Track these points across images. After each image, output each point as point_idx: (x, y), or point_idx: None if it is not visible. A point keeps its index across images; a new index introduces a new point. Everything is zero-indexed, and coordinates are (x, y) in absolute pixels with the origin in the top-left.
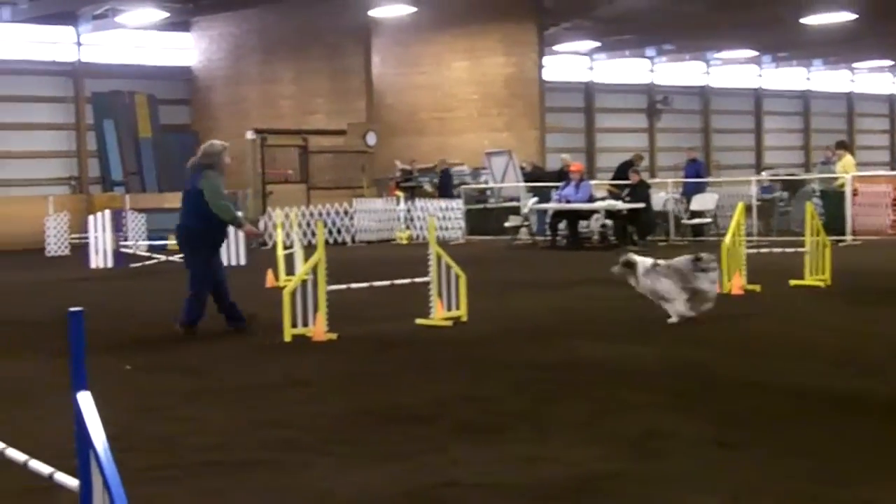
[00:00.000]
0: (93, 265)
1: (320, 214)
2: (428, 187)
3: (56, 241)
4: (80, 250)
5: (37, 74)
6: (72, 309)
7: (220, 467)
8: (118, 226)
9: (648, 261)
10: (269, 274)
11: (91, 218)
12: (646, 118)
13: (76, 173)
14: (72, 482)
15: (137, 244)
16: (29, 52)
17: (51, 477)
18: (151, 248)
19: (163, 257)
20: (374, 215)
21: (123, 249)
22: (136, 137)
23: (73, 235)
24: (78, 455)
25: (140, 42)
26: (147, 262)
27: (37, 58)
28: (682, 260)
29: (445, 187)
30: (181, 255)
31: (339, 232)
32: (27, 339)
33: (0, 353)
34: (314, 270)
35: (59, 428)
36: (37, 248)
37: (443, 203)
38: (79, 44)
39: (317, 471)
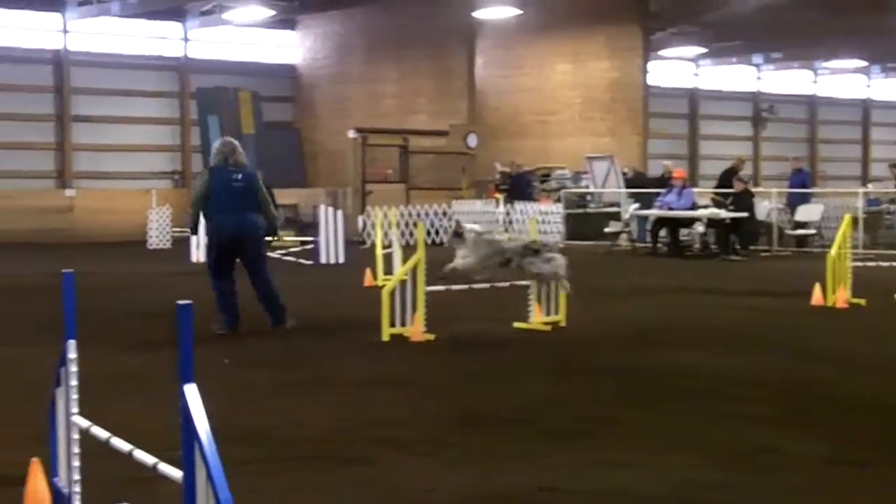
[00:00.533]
0: (193, 259)
1: (419, 215)
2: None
3: (158, 234)
4: (182, 244)
5: (143, 69)
6: (181, 302)
7: (317, 462)
8: None
9: (477, 227)
10: (368, 273)
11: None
12: (751, 126)
13: (179, 168)
14: (175, 473)
15: None
16: (136, 47)
17: (154, 467)
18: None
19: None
20: (473, 217)
21: None
22: (240, 133)
23: (175, 229)
24: (183, 447)
25: (246, 39)
26: None
27: (144, 52)
28: (516, 242)
29: (519, 191)
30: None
31: (437, 233)
32: (132, 331)
33: (105, 344)
34: (413, 270)
35: (164, 419)
36: (139, 241)
37: (542, 207)
38: (185, 39)
39: (414, 470)
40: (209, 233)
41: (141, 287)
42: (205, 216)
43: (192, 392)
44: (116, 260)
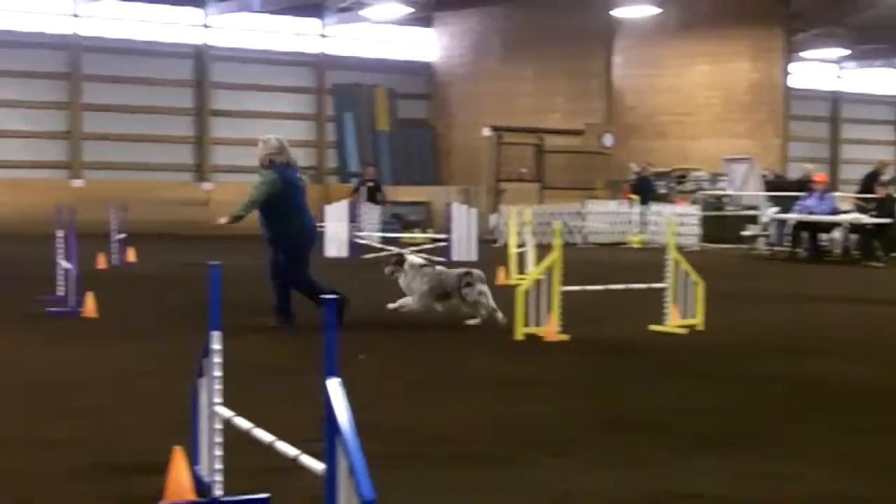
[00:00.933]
0: (328, 254)
1: (552, 214)
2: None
3: None
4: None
5: (282, 65)
6: (326, 296)
7: (453, 460)
8: (353, 216)
9: (418, 260)
10: (501, 271)
11: (327, 207)
12: (894, 131)
13: (315, 163)
14: (317, 465)
15: (372, 235)
16: (275, 43)
17: (296, 459)
18: (385, 240)
19: (395, 249)
20: (607, 217)
21: (358, 240)
22: (374, 130)
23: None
24: (325, 439)
25: (383, 36)
26: (380, 254)
27: (282, 48)
28: (451, 273)
29: (641, 192)
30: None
31: (570, 232)
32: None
33: (246, 334)
34: (548, 270)
35: (303, 410)
36: None
37: (678, 208)
38: (323, 36)
39: (549, 471)
40: (293, 235)
41: None
42: (269, 216)
43: (335, 386)
44: (249, 253)
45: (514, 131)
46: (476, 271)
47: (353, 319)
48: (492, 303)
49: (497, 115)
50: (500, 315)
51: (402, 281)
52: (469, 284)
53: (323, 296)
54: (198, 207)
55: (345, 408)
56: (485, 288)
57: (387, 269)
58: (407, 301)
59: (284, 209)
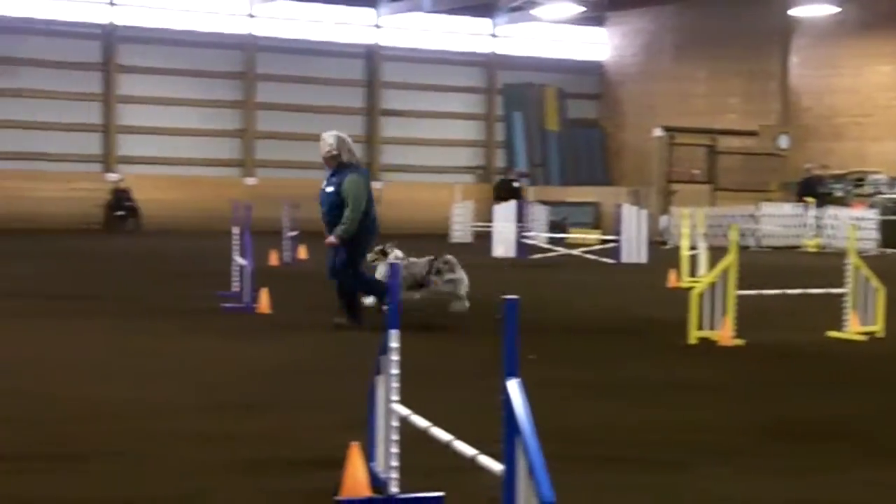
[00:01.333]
0: (495, 254)
1: (724, 216)
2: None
3: (461, 228)
4: (483, 238)
5: (452, 64)
6: (507, 297)
7: (625, 465)
8: (521, 216)
9: (400, 253)
10: (672, 274)
11: (496, 207)
12: None
13: (482, 163)
14: (495, 466)
15: (539, 235)
16: (446, 43)
17: (473, 459)
18: (552, 241)
19: (563, 250)
20: (781, 220)
21: (526, 240)
22: (543, 130)
23: (477, 223)
24: (504, 440)
25: (553, 35)
26: (548, 255)
27: (453, 48)
28: (420, 262)
29: (810, 194)
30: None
31: (743, 235)
32: (435, 320)
33: (416, 333)
34: (723, 273)
35: (477, 410)
36: (440, 234)
37: (855, 212)
38: (494, 35)
39: (725, 479)
40: (364, 233)
41: None
42: (340, 216)
43: (514, 387)
44: (419, 251)
45: (685, 132)
46: (448, 257)
47: (522, 320)
48: (460, 290)
49: (668, 116)
50: (461, 303)
51: (378, 272)
52: (438, 272)
53: (506, 297)
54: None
55: (524, 408)
56: (457, 275)
57: (369, 257)
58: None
59: (362, 210)
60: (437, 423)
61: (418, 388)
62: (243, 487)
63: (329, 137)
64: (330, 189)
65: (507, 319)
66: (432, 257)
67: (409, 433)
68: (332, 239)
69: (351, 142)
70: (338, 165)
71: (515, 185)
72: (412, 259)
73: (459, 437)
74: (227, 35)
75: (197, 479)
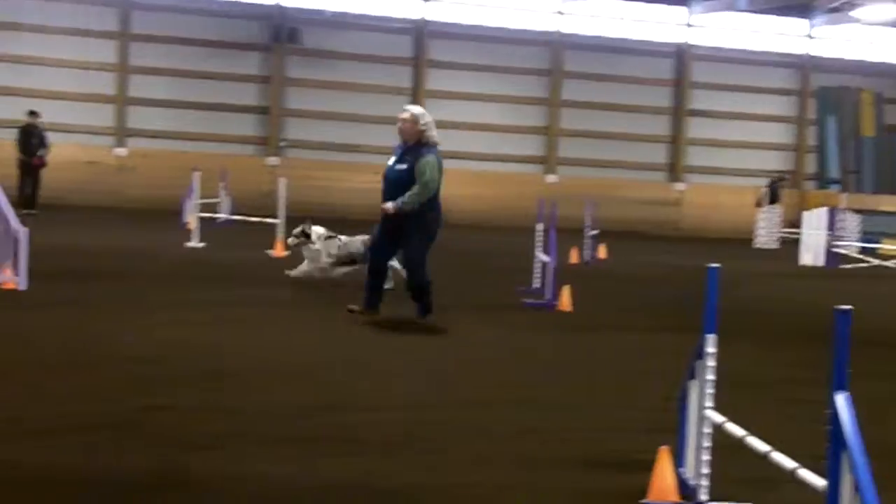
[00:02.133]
0: (802, 262)
1: None
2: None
3: (766, 233)
4: (790, 245)
5: (764, 65)
6: (840, 307)
7: None
8: (832, 224)
9: (322, 230)
10: None
11: (805, 214)
12: None
13: (791, 167)
14: (817, 481)
15: (851, 245)
16: (759, 43)
17: (793, 472)
18: (864, 251)
19: (875, 261)
20: None
21: (836, 249)
22: (858, 135)
23: (784, 230)
24: (829, 454)
25: (872, 38)
26: (859, 265)
27: (766, 49)
28: (356, 240)
29: None
30: None
31: None
32: (760, 328)
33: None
34: None
35: (794, 423)
36: (744, 238)
37: None
38: (810, 37)
39: None
40: (430, 222)
41: (757, 285)
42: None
43: (842, 400)
44: (722, 255)
45: None
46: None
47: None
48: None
49: None
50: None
51: (306, 252)
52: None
53: (838, 307)
54: (669, 207)
55: (852, 423)
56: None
57: (290, 240)
58: (304, 268)
59: (431, 193)
60: (751, 433)
61: (733, 394)
62: (548, 483)
63: (416, 110)
64: (402, 166)
65: (839, 331)
66: (368, 237)
67: (720, 440)
68: (389, 206)
69: (432, 120)
70: (416, 143)
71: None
72: (346, 238)
73: (776, 448)
74: (535, 32)
75: (503, 473)
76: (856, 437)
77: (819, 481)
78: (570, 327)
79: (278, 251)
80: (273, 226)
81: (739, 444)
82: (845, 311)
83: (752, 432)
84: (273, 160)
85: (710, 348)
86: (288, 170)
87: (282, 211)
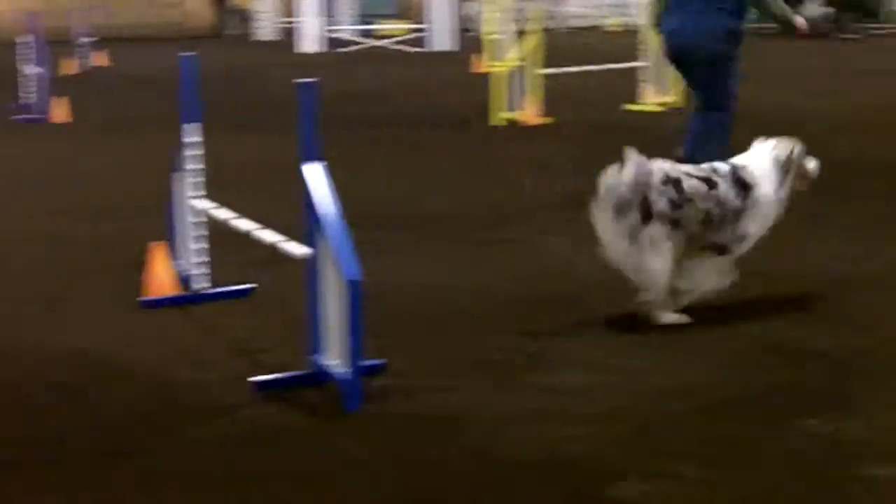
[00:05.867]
0: (301, 49)
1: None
2: None
3: (266, 25)
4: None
5: None
6: (304, 80)
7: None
8: (330, 10)
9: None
10: (476, 59)
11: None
12: None
13: None
14: (297, 250)
15: (348, 28)
16: None
17: (274, 246)
18: (361, 34)
19: (372, 42)
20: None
21: (332, 35)
22: None
23: (284, 19)
24: (305, 225)
25: None
26: (355, 48)
27: None
28: None
29: None
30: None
31: (551, 18)
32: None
33: (231, 132)
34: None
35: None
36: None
37: None
38: None
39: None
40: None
41: (255, 78)
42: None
43: (314, 171)
44: (218, 51)
45: None
46: None
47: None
48: None
49: None
50: None
51: None
52: None
53: (298, 81)
54: (173, 9)
55: (326, 192)
56: None
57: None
58: None
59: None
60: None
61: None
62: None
63: None
64: None
65: (303, 104)
66: None
67: (222, 230)
68: (801, 21)
69: None
70: None
71: None
72: None
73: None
74: None
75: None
76: (329, 205)
77: (299, 250)
78: (65, 137)
79: None
80: None
81: (237, 231)
82: (309, 84)
83: (244, 216)
84: None
85: (192, 138)
86: None
87: None
